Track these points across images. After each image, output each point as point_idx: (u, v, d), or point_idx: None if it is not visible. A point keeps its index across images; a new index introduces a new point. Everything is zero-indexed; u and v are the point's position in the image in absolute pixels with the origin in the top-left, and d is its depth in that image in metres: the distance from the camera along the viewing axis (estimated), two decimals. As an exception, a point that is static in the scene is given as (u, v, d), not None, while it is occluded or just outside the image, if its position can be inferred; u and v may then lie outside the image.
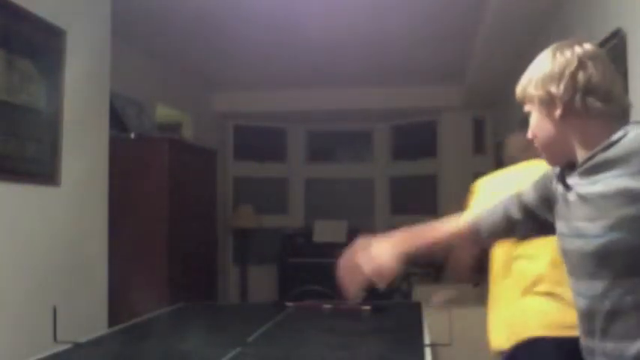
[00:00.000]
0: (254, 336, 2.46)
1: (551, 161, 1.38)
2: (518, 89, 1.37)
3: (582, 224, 1.26)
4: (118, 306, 3.29)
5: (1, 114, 2.46)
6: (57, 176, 2.84)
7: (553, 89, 1.26)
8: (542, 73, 1.30)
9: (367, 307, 2.99)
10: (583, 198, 1.27)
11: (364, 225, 6.67)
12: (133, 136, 4.00)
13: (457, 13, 3.80)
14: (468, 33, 4.10)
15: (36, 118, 2.69)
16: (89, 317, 3.02)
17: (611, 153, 1.22)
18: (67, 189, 2.90)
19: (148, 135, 4.20)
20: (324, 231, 6.37)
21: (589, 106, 1.24)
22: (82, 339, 2.38)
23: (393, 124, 6.90)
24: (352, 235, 6.92)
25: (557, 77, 1.27)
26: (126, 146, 3.79)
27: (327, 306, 3.10)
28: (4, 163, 2.49)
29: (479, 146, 6.27)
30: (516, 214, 1.52)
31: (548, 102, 1.28)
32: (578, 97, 1.24)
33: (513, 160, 2.25)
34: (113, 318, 3.19)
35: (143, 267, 3.70)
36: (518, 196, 1.54)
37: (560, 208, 1.38)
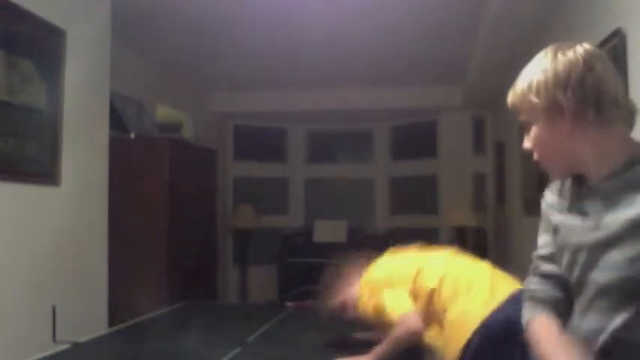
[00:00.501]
0: (254, 336, 2.46)
1: (556, 174, 1.25)
2: (514, 97, 1.21)
3: (602, 254, 1.12)
4: (117, 306, 3.29)
5: (1, 114, 2.46)
6: (57, 176, 2.84)
7: (560, 97, 1.12)
8: (544, 78, 1.14)
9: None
10: (603, 225, 1.12)
11: (364, 225, 6.70)
12: (133, 136, 4.00)
13: (457, 13, 3.80)
14: (468, 33, 4.10)
15: (36, 118, 2.69)
16: (89, 317, 3.02)
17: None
18: (67, 189, 2.90)
19: (148, 135, 4.20)
20: (324, 231, 6.36)
21: (600, 113, 1.10)
22: (82, 339, 2.38)
23: (393, 124, 6.89)
24: (352, 235, 6.89)
25: (562, 83, 1.12)
26: (126, 146, 3.79)
27: (327, 306, 3.10)
28: (4, 163, 2.49)
29: (479, 146, 6.27)
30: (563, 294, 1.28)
31: (553, 111, 1.13)
32: (588, 105, 1.10)
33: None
34: (113, 318, 3.19)
35: (143, 267, 3.70)
36: (547, 279, 1.31)
37: (562, 237, 1.23)
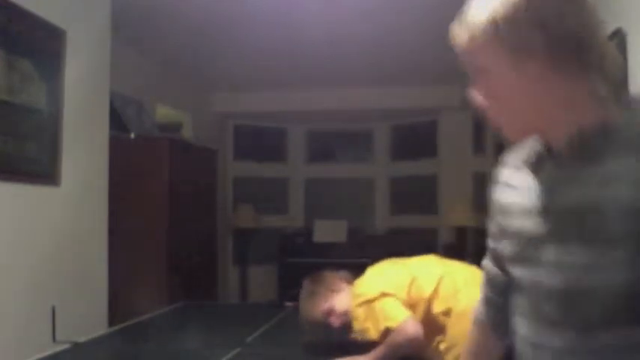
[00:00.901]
0: (253, 336, 2.46)
1: (513, 135, 0.99)
2: (468, 33, 0.93)
3: (545, 247, 0.90)
4: (118, 306, 3.29)
5: (1, 114, 2.46)
6: (57, 176, 2.84)
7: (532, 34, 0.86)
8: (513, 9, 0.87)
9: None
10: (550, 209, 0.91)
11: (364, 225, 6.70)
12: (133, 136, 4.00)
13: (458, 12, 3.79)
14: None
15: (36, 118, 2.69)
16: (89, 317, 3.02)
17: (622, 134, 0.85)
18: (67, 189, 2.90)
19: (148, 135, 4.20)
20: (324, 231, 6.36)
21: (578, 59, 0.87)
22: (82, 339, 2.38)
23: (393, 124, 6.89)
24: (352, 235, 6.89)
25: (537, 16, 0.87)
26: (126, 146, 3.79)
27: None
28: (4, 163, 2.48)
29: (479, 146, 6.27)
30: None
31: (521, 53, 0.88)
32: (566, 46, 0.86)
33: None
34: (113, 318, 3.19)
35: (143, 267, 3.70)
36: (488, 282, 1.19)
37: (508, 221, 1.01)
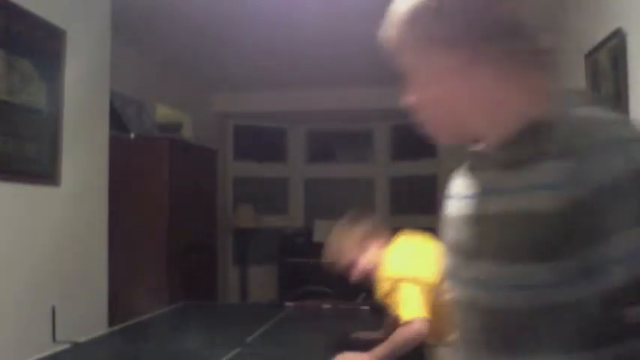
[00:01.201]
0: (253, 336, 2.46)
1: (446, 136, 0.94)
2: (393, 29, 0.87)
3: (473, 262, 0.79)
4: (118, 306, 3.29)
5: (1, 114, 2.46)
6: (57, 176, 2.84)
7: (455, 22, 0.80)
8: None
9: (366, 307, 3.00)
10: (479, 216, 0.81)
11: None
12: (133, 136, 4.00)
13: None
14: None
15: (36, 118, 2.69)
16: (89, 317, 3.02)
17: (554, 136, 0.74)
18: (67, 189, 2.90)
19: (148, 135, 4.20)
20: (324, 231, 6.35)
21: (515, 47, 0.79)
22: (82, 339, 2.38)
23: (393, 124, 6.89)
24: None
25: (461, 5, 0.79)
26: (126, 146, 3.79)
27: (327, 306, 3.11)
28: (4, 163, 2.48)
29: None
30: None
31: (447, 43, 0.81)
32: (496, 34, 0.79)
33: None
34: (113, 318, 3.19)
35: (143, 267, 3.70)
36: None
37: (445, 233, 0.91)
